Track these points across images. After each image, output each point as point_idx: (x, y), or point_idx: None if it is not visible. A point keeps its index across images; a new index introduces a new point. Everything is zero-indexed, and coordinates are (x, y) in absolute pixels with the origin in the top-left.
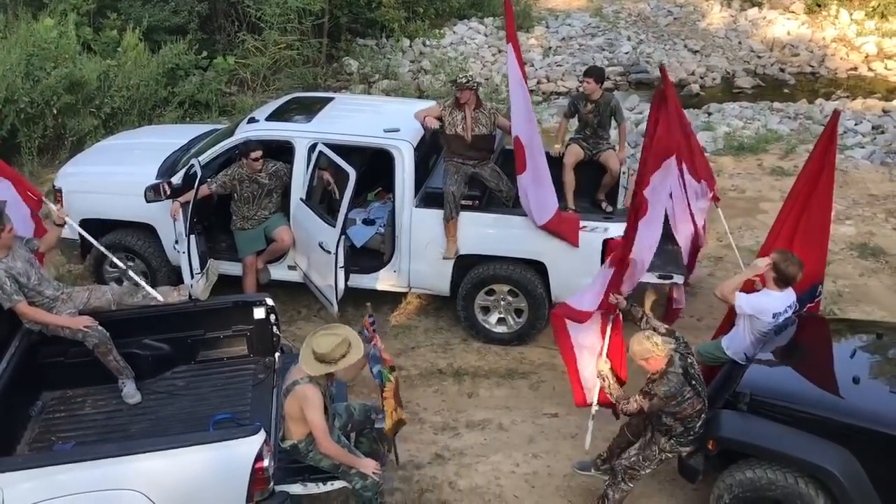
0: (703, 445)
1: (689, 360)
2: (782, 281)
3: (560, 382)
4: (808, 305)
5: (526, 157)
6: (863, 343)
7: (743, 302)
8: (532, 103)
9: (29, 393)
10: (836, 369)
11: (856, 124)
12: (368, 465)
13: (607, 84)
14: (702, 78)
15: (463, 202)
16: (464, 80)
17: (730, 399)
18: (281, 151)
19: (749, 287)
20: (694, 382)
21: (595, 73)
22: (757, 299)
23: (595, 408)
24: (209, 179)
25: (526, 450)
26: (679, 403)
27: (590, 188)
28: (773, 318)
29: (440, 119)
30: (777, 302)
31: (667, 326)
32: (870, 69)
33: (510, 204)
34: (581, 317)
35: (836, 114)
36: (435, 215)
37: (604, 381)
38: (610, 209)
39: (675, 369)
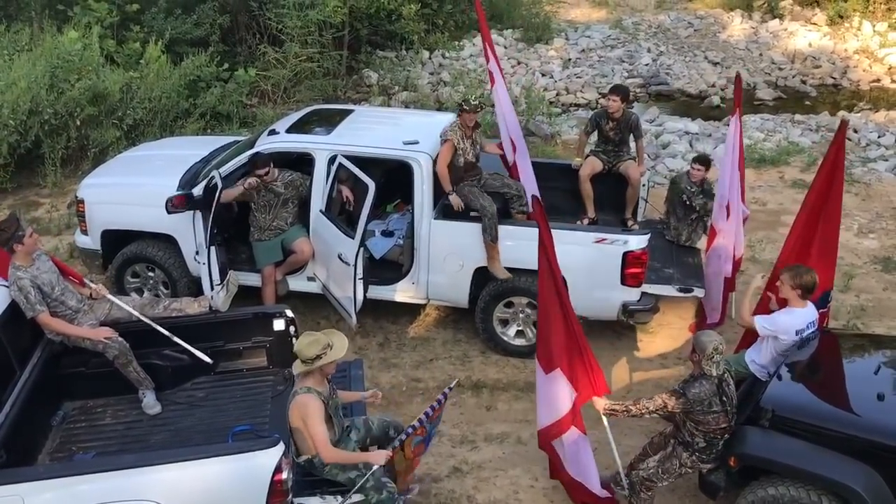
0: (725, 462)
1: (726, 377)
2: (806, 291)
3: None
4: (821, 311)
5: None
6: (887, 359)
7: (763, 324)
8: (551, 115)
9: (50, 403)
10: (859, 385)
11: (879, 136)
12: (380, 457)
13: None
14: (722, 90)
15: (472, 214)
16: (476, 103)
17: (752, 415)
18: (301, 163)
19: (764, 309)
20: (725, 399)
21: (622, 92)
22: (778, 319)
23: (606, 421)
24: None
25: (545, 464)
26: (705, 412)
27: (610, 200)
28: (796, 335)
29: (456, 146)
30: (798, 319)
31: None
32: (893, 81)
33: (526, 202)
34: (560, 428)
35: (843, 123)
36: (453, 227)
37: (614, 412)
38: (636, 227)
39: (712, 377)
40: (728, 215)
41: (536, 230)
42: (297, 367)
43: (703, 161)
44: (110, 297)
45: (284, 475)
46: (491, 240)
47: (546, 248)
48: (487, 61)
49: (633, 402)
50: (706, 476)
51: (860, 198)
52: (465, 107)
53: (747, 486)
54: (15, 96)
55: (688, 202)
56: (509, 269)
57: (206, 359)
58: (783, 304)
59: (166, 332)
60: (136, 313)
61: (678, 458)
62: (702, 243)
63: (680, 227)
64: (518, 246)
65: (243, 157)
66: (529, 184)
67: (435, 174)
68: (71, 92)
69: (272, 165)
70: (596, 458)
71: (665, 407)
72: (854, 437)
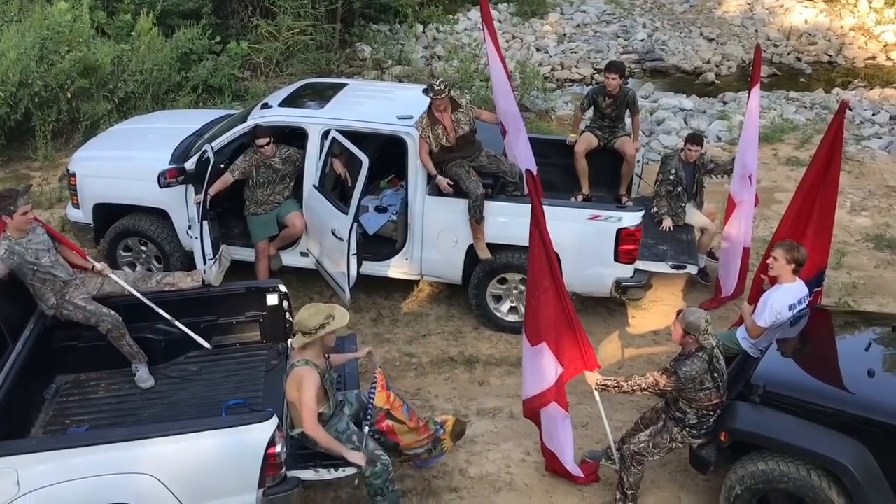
0: (715, 437)
1: (716, 354)
2: (798, 265)
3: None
4: (816, 290)
5: (508, 124)
6: (877, 336)
7: (766, 319)
8: (545, 90)
9: (43, 376)
10: (850, 362)
11: (873, 114)
12: (356, 457)
13: None
14: (717, 66)
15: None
16: (441, 87)
17: (743, 391)
18: (294, 137)
19: (759, 292)
20: (716, 375)
21: (619, 69)
22: (771, 301)
23: (598, 396)
24: (230, 167)
25: (537, 438)
26: (696, 390)
27: (605, 176)
28: (790, 310)
29: (427, 141)
30: (790, 294)
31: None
32: (888, 58)
33: (520, 184)
34: (543, 399)
35: (843, 104)
36: (447, 203)
37: (606, 388)
38: (630, 203)
39: (703, 355)
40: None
41: (529, 206)
42: (297, 341)
43: (697, 140)
44: (112, 275)
45: (278, 448)
46: (475, 220)
47: (538, 222)
48: (485, 40)
49: (625, 379)
50: (697, 451)
51: (853, 175)
52: (429, 94)
53: (737, 460)
54: (4, 68)
55: (675, 181)
56: (502, 246)
57: (206, 344)
58: (774, 281)
59: (168, 316)
60: (137, 294)
61: (669, 433)
62: (697, 220)
63: (661, 203)
64: (511, 222)
65: (236, 131)
66: (527, 163)
67: None
68: (61, 64)
69: (272, 141)
70: (587, 432)
71: (657, 385)
72: (844, 412)
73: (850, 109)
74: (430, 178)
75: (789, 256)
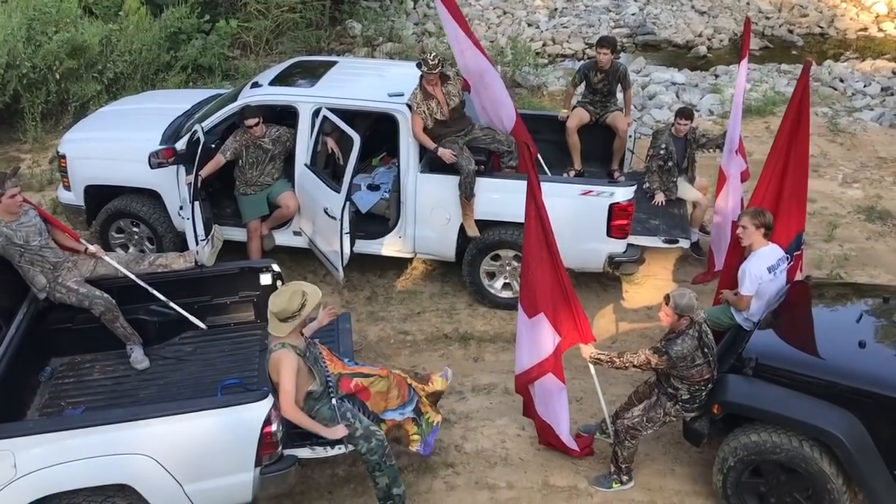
0: (708, 409)
1: (705, 329)
2: (767, 228)
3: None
4: (795, 253)
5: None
6: (869, 307)
7: (748, 287)
8: (537, 66)
9: (38, 359)
10: (841, 334)
11: (865, 86)
12: (336, 432)
13: None
14: (709, 39)
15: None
16: (435, 62)
17: (735, 363)
18: (285, 116)
19: (738, 257)
20: (706, 350)
21: (611, 44)
22: (750, 271)
23: (594, 370)
24: (221, 148)
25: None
26: (688, 367)
27: (598, 151)
28: (770, 272)
29: (422, 117)
30: (766, 258)
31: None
32: (880, 30)
33: (515, 153)
34: (541, 370)
35: (807, 64)
36: (440, 181)
37: (599, 361)
38: (622, 178)
39: (693, 332)
40: (739, 160)
41: (523, 183)
42: (277, 329)
43: (686, 114)
44: (106, 257)
45: (274, 427)
46: (465, 197)
47: (534, 194)
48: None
49: (618, 355)
50: (690, 424)
51: (845, 147)
52: (423, 68)
53: (730, 433)
54: None
55: (666, 156)
56: (495, 223)
57: (201, 325)
58: (748, 250)
59: (163, 297)
60: (132, 276)
61: (662, 407)
62: (689, 194)
63: (653, 178)
64: (504, 199)
65: (226, 111)
66: (498, 119)
67: None
68: (49, 45)
69: (261, 121)
70: (581, 406)
71: (648, 363)
72: (835, 384)
73: (842, 81)
74: (424, 153)
75: (756, 221)
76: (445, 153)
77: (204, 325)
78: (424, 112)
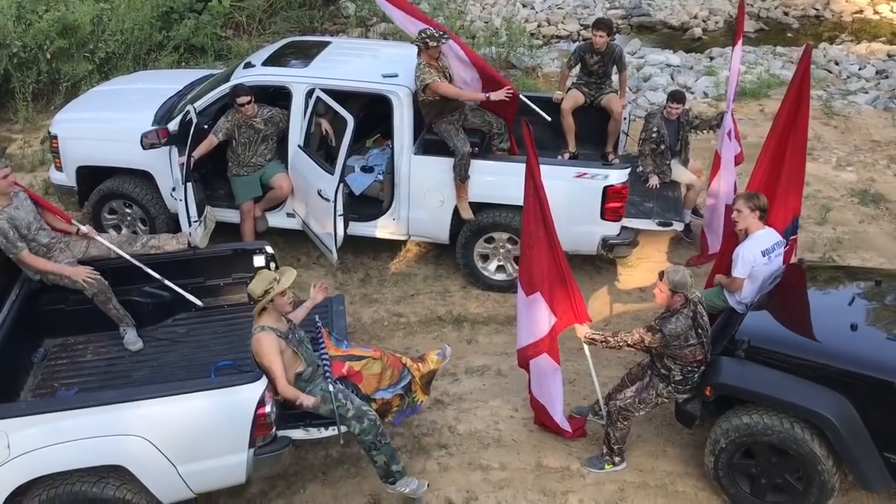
0: (700, 391)
1: (699, 310)
2: (763, 211)
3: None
4: (792, 237)
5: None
6: (861, 290)
7: (740, 270)
8: (531, 47)
9: (31, 340)
10: (833, 316)
11: (860, 69)
12: (307, 400)
13: None
14: (704, 21)
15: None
16: (438, 35)
17: (728, 346)
18: (278, 97)
19: (734, 242)
20: (700, 331)
21: (607, 26)
22: (743, 254)
23: (588, 351)
24: (214, 128)
25: (524, 395)
26: (681, 347)
27: (592, 134)
28: (765, 256)
29: (441, 79)
30: (762, 240)
31: None
32: (875, 12)
33: (505, 135)
34: (536, 349)
35: (808, 47)
36: (434, 162)
37: (594, 341)
38: (617, 161)
39: (687, 311)
40: (734, 144)
41: (517, 166)
42: (256, 310)
43: (678, 97)
44: (98, 238)
45: (268, 409)
46: (460, 179)
47: (533, 174)
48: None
49: (612, 335)
50: (682, 406)
51: (839, 130)
52: (430, 43)
53: (722, 415)
54: None
55: (658, 139)
56: (490, 205)
57: (198, 302)
58: (743, 233)
59: (157, 276)
60: (126, 255)
61: (655, 388)
62: (684, 176)
63: (647, 162)
64: (499, 182)
65: (219, 91)
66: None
67: (415, 108)
68: (39, 24)
69: (253, 100)
70: (574, 388)
71: (642, 342)
72: (827, 366)
73: (837, 64)
74: (418, 134)
75: (751, 205)
76: (499, 94)
77: (200, 302)
78: (440, 77)
